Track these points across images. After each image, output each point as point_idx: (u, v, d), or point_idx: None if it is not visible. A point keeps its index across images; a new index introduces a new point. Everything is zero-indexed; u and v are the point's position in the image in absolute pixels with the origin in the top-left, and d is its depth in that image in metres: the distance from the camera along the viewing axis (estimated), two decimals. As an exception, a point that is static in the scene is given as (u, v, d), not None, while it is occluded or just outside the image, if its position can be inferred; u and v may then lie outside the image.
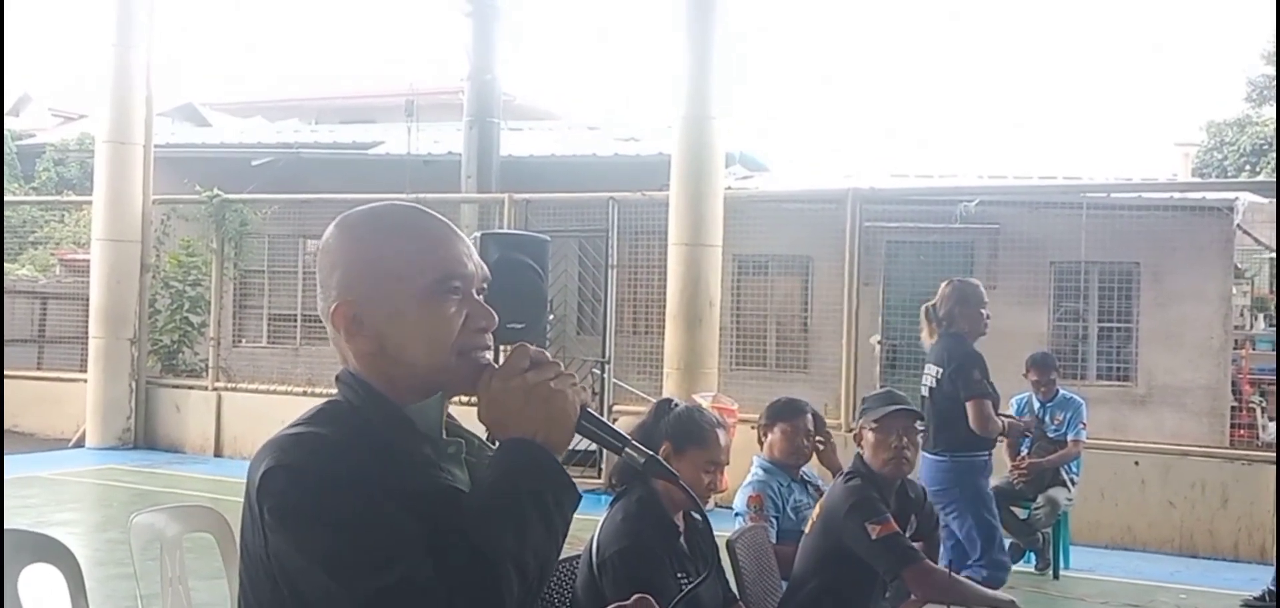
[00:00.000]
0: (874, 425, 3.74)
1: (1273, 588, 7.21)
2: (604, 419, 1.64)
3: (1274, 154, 23.12)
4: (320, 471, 1.44)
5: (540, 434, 1.50)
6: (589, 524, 3.10)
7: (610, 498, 3.16)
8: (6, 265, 15.87)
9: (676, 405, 3.30)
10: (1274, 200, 13.03)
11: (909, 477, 3.95)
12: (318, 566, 1.41)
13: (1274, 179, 18.53)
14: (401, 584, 1.39)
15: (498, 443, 1.54)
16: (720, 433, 3.20)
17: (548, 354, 1.56)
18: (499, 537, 1.43)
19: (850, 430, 3.87)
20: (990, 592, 3.32)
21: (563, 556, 3.06)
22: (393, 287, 1.55)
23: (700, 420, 3.21)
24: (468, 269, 1.58)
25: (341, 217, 1.64)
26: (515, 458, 1.50)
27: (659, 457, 1.67)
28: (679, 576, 2.94)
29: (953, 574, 3.71)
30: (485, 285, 1.62)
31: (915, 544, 3.90)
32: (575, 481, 1.54)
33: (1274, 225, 13.49)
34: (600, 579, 2.94)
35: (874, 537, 3.55)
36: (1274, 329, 15.41)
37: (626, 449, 1.63)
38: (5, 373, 12.53)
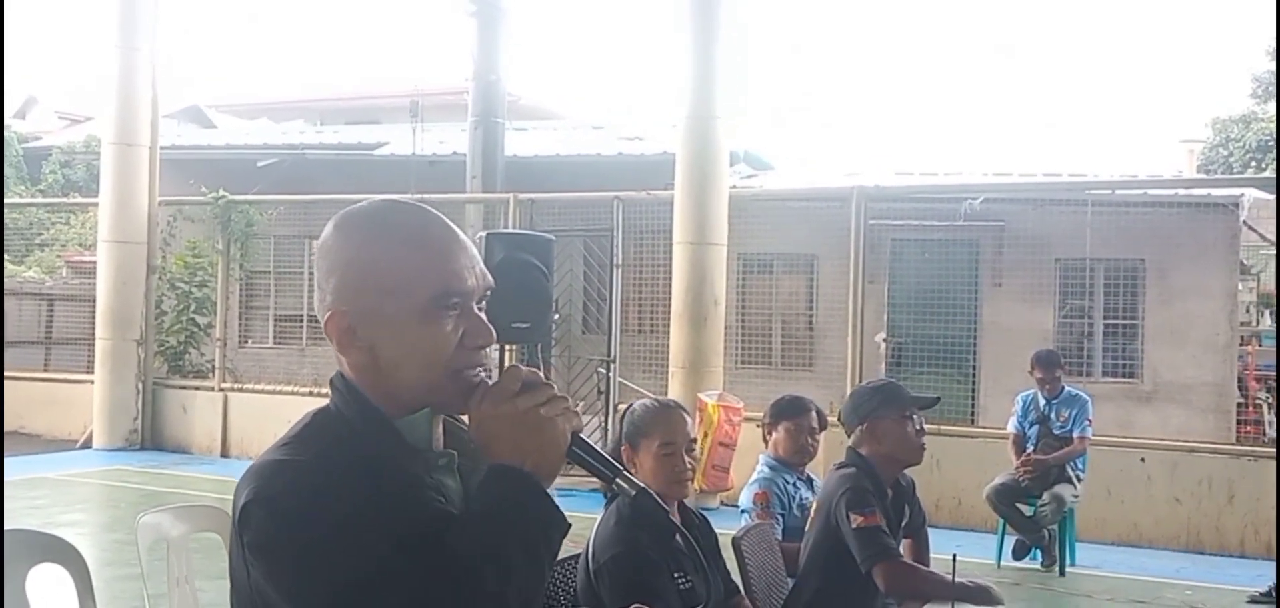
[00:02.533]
0: (902, 416, 3.71)
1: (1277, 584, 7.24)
2: (596, 446, 1.60)
3: (1277, 151, 23.07)
4: (299, 506, 1.40)
5: (530, 462, 1.45)
6: (588, 524, 3.10)
7: (606, 497, 3.15)
8: (13, 268, 15.93)
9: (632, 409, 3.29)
10: (1277, 197, 13.01)
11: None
12: (293, 604, 1.40)
13: (1276, 176, 18.50)
14: None
15: (486, 468, 1.48)
16: (676, 415, 3.17)
17: (540, 376, 1.51)
18: (481, 570, 1.39)
19: (861, 423, 3.81)
20: (963, 582, 3.29)
21: (564, 555, 3.08)
22: (388, 301, 1.49)
23: (646, 410, 3.20)
24: (467, 284, 1.52)
25: (341, 215, 1.57)
26: (502, 488, 1.44)
27: (646, 489, 1.65)
28: (676, 576, 2.93)
29: (926, 571, 3.70)
30: (488, 295, 1.56)
31: (906, 539, 3.89)
32: (576, 479, 1.53)
33: (1277, 222, 13.47)
34: (597, 585, 2.93)
35: (854, 526, 3.55)
36: (1277, 326, 15.39)
37: (618, 480, 1.59)
38: (13, 375, 12.58)
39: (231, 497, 1.49)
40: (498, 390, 1.49)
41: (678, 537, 2.97)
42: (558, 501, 1.52)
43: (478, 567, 1.40)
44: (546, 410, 1.48)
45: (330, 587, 1.37)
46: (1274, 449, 9.77)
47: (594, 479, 1.61)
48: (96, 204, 13.40)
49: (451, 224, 1.57)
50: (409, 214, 1.56)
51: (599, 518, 3.06)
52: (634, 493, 1.60)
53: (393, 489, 1.46)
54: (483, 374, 1.54)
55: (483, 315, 1.55)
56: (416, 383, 1.51)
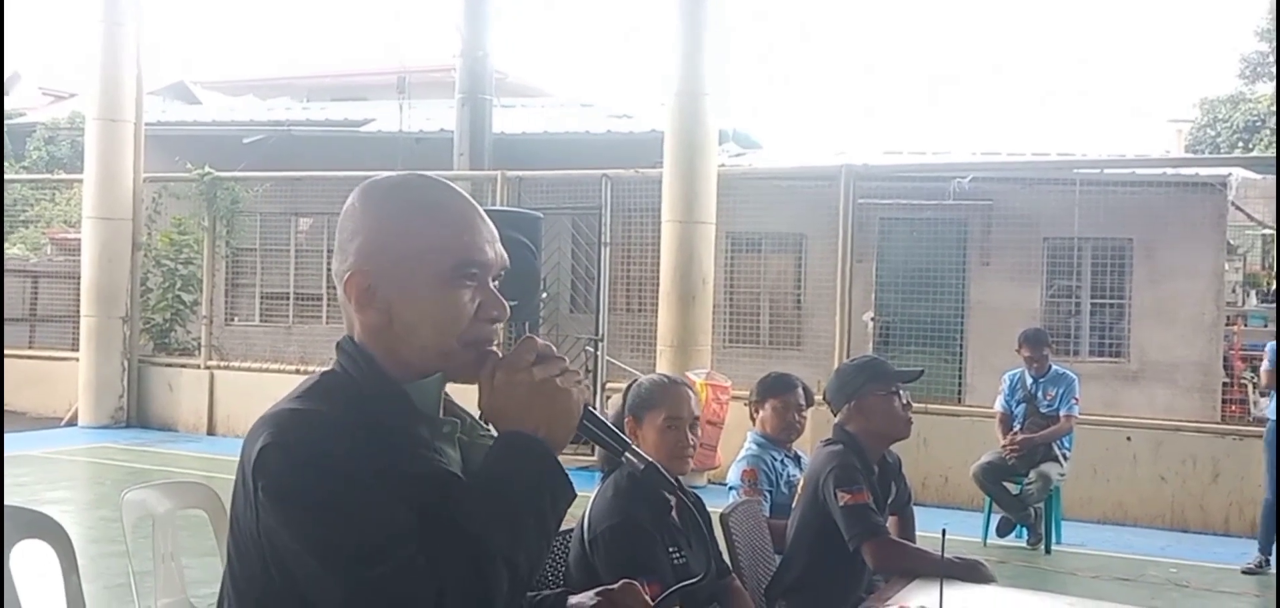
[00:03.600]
0: (889, 392, 3.72)
1: (1265, 556, 7.39)
2: (606, 420, 1.63)
3: (1266, 131, 23.11)
4: (317, 453, 1.41)
5: (542, 430, 1.49)
6: (581, 501, 3.09)
7: (601, 473, 3.15)
8: (-3, 244, 15.83)
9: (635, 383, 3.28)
10: (1267, 177, 13.03)
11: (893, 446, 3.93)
12: (309, 551, 1.40)
13: (1266, 155, 18.55)
14: (392, 576, 1.38)
15: (498, 434, 1.52)
16: (682, 391, 3.18)
17: (553, 348, 1.54)
18: (493, 533, 1.42)
19: (847, 401, 3.81)
20: (953, 559, 3.28)
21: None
22: (411, 265, 1.53)
23: (652, 384, 3.21)
24: (487, 256, 1.57)
25: (366, 184, 1.61)
26: (515, 454, 1.48)
27: (654, 463, 1.65)
28: (671, 550, 2.94)
29: (915, 548, 3.70)
30: (503, 274, 1.60)
31: (891, 516, 3.89)
32: (570, 456, 1.53)
33: (1266, 202, 13.50)
34: (592, 556, 2.94)
35: (842, 504, 3.55)
36: (1266, 305, 15.46)
37: (626, 454, 1.62)
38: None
39: (217, 475, 1.48)
40: (513, 359, 1.52)
41: (674, 513, 2.97)
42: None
43: (490, 529, 1.43)
44: (562, 381, 1.52)
45: (348, 538, 1.39)
46: (1259, 428, 9.82)
47: (586, 456, 1.62)
48: (81, 181, 13.31)
49: (473, 201, 1.63)
50: (435, 186, 1.62)
51: (595, 490, 3.06)
52: (642, 467, 1.62)
53: (403, 450, 1.49)
54: (494, 346, 1.57)
55: (497, 291, 1.59)
56: (430, 347, 1.54)
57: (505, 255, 1.61)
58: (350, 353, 1.57)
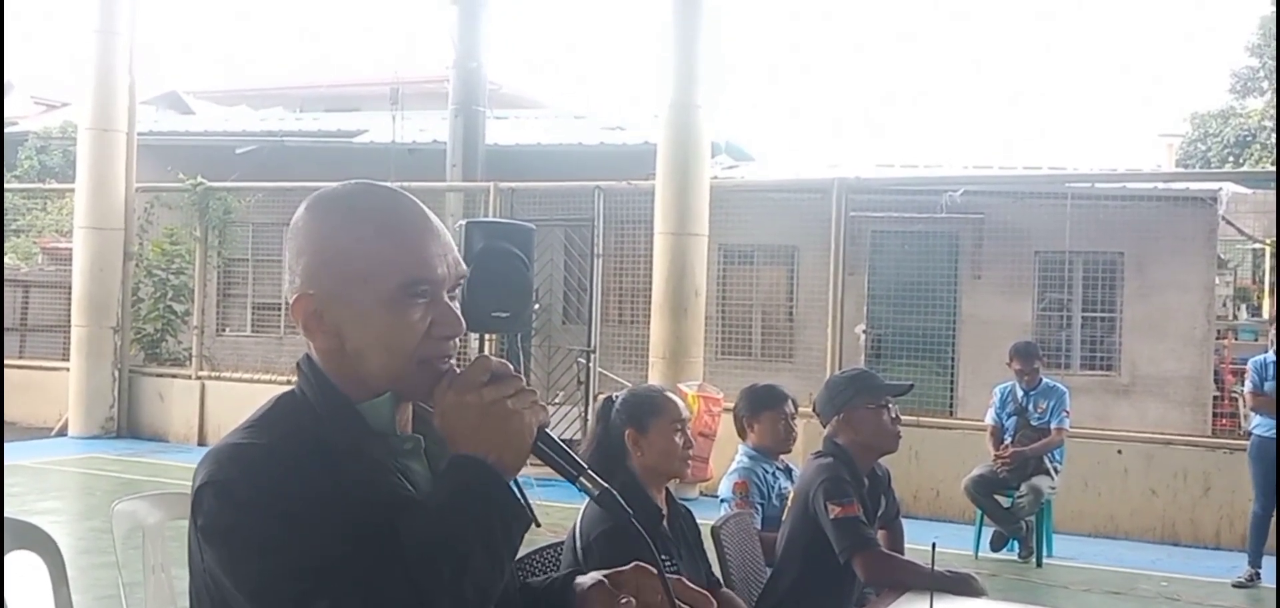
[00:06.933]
0: (877, 405, 3.72)
1: (1256, 569, 7.41)
2: (562, 443, 1.54)
3: (1257, 145, 23.20)
4: (252, 492, 1.37)
5: (493, 455, 1.42)
6: (568, 509, 3.10)
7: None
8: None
9: (614, 399, 3.27)
10: (1258, 191, 13.08)
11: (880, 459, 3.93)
12: (241, 590, 1.38)
13: (1257, 170, 18.62)
14: None
15: (448, 459, 1.46)
16: (675, 397, 3.20)
17: (509, 367, 1.48)
18: (437, 561, 1.37)
19: (836, 413, 3.81)
20: (943, 572, 3.28)
21: (547, 543, 3.08)
22: (356, 287, 1.47)
23: (650, 393, 3.22)
24: (438, 272, 1.49)
25: (313, 197, 1.55)
26: (463, 479, 1.42)
27: (609, 489, 1.60)
28: (662, 559, 2.94)
29: (906, 561, 3.71)
30: (461, 283, 1.54)
31: (881, 530, 3.89)
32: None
33: (1257, 216, 13.55)
34: (584, 565, 2.94)
35: (832, 516, 3.55)
36: (1256, 320, 15.51)
37: (581, 478, 1.54)
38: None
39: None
40: (464, 380, 1.46)
41: (665, 521, 2.98)
42: (530, 491, 1.50)
43: (434, 558, 1.37)
44: (513, 403, 1.45)
45: (280, 575, 1.35)
46: (1249, 442, 9.85)
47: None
48: (73, 190, 13.30)
49: (425, 209, 1.54)
50: (381, 198, 1.53)
51: (586, 502, 3.06)
52: (597, 493, 1.55)
53: (353, 476, 1.44)
54: (450, 363, 1.51)
55: (453, 305, 1.52)
56: (382, 370, 1.49)
57: (462, 265, 1.54)
58: (306, 373, 1.54)
